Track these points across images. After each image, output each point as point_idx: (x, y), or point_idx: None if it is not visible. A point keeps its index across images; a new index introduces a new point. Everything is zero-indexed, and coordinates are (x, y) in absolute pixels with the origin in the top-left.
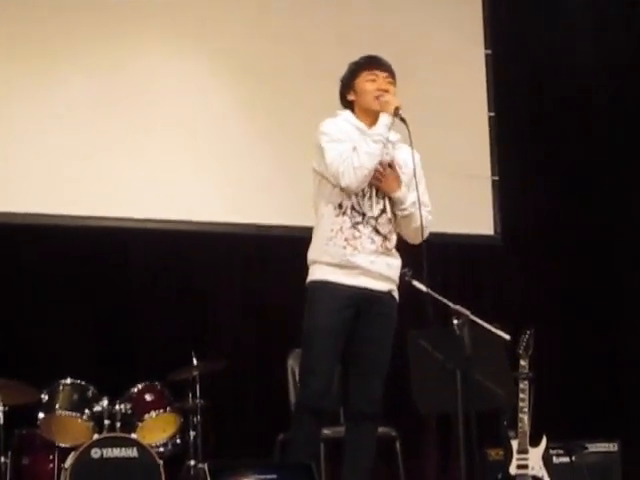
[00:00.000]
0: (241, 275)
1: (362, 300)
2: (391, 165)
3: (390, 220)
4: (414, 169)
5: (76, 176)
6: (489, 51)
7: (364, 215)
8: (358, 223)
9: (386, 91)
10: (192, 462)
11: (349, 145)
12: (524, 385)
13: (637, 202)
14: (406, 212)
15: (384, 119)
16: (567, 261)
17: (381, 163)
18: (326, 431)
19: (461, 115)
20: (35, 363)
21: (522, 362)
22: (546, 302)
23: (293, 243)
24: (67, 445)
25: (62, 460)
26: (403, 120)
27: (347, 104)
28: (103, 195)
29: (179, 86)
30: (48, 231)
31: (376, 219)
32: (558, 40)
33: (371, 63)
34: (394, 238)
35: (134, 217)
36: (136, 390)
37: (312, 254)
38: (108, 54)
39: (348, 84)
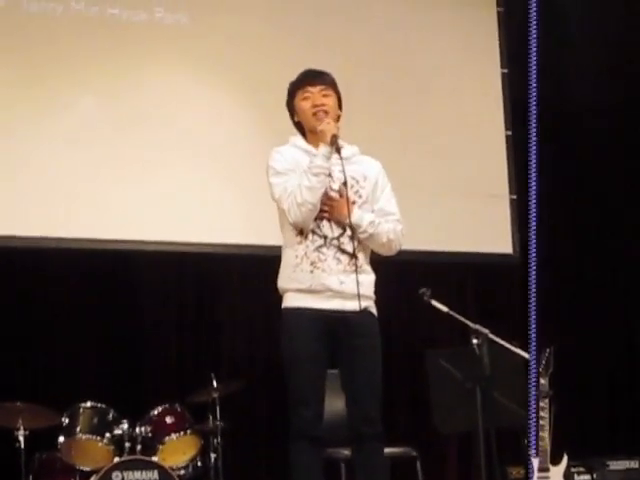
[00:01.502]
0: (258, 294)
1: (338, 322)
2: (341, 191)
3: (352, 238)
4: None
5: (92, 200)
6: (505, 70)
7: (325, 237)
8: (321, 246)
9: (322, 105)
10: None
11: (294, 177)
12: (544, 403)
13: None
14: (366, 234)
15: (321, 149)
16: (586, 279)
17: (326, 193)
18: (345, 452)
19: (478, 134)
20: (55, 387)
21: (542, 380)
22: (566, 319)
23: None
24: (88, 469)
25: None
26: (338, 150)
27: (297, 126)
28: (116, 217)
29: (188, 107)
30: (62, 255)
31: (338, 239)
32: (576, 58)
33: (301, 80)
34: (363, 255)
35: (147, 239)
36: (156, 412)
37: (281, 282)
38: (116, 76)
39: (290, 106)
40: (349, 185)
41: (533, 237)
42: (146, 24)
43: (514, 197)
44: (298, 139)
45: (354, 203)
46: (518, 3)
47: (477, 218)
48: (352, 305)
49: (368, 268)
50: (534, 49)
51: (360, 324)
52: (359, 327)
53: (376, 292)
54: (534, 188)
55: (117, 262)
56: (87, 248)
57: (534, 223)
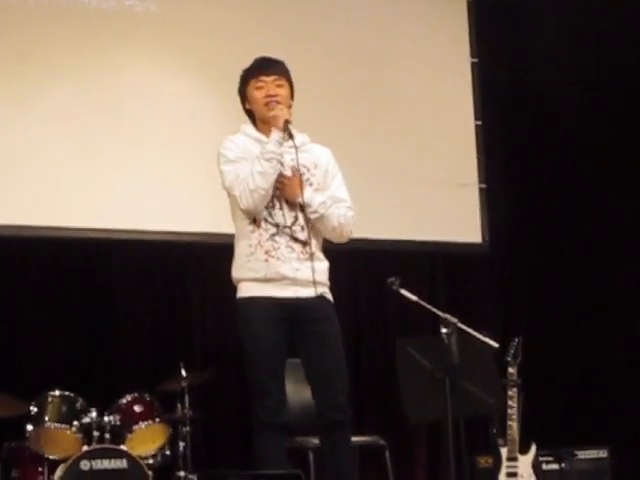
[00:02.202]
0: (230, 283)
1: (295, 310)
2: (294, 171)
3: (304, 227)
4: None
5: (60, 188)
6: (475, 59)
7: (278, 225)
8: (274, 234)
9: (275, 96)
10: (182, 473)
11: (246, 164)
12: (513, 392)
13: (624, 210)
14: (317, 214)
15: (274, 135)
16: (554, 268)
17: (281, 173)
18: (314, 440)
19: (448, 124)
20: (23, 375)
21: (510, 370)
22: (534, 309)
23: None
24: (56, 457)
25: (51, 472)
26: (291, 136)
27: (248, 113)
28: (87, 206)
29: (158, 96)
30: (32, 243)
31: (290, 227)
32: (543, 48)
33: (256, 69)
34: (316, 242)
35: (119, 228)
36: (125, 401)
37: (235, 273)
38: (87, 64)
39: (242, 93)
40: (301, 172)
41: (505, 228)
42: (115, 12)
43: (483, 186)
44: (249, 127)
45: (303, 184)
46: None
47: (447, 207)
48: (308, 292)
49: (321, 255)
50: (503, 39)
51: (317, 310)
52: (317, 313)
53: (342, 281)
54: (503, 177)
55: (88, 250)
56: (58, 236)
57: (501, 213)
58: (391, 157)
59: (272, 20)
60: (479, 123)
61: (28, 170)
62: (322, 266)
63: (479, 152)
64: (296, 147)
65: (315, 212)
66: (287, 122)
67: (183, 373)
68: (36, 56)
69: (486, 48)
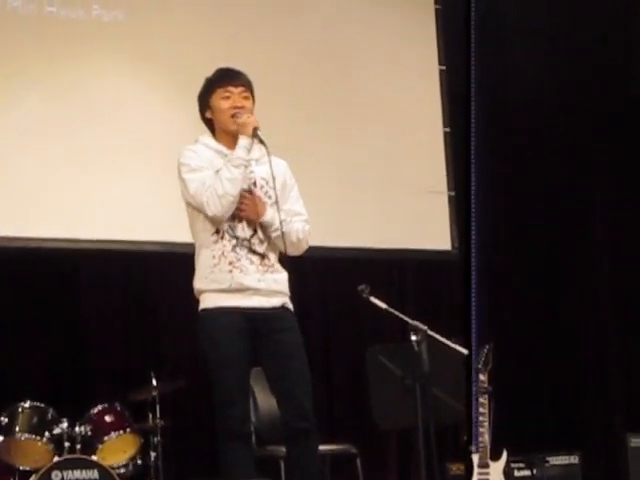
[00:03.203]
0: None
1: (258, 319)
2: (251, 190)
3: (262, 240)
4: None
5: (26, 198)
6: (443, 67)
7: (237, 238)
8: (235, 246)
9: (242, 108)
10: None
11: (210, 172)
12: (484, 399)
13: (597, 213)
14: (278, 232)
15: (242, 141)
16: (524, 275)
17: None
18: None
19: (416, 131)
20: None
21: (481, 376)
22: (504, 316)
23: None
24: (27, 468)
25: None
26: (262, 142)
27: (207, 122)
28: (54, 216)
29: (126, 105)
30: (3, 252)
31: (249, 240)
32: (513, 55)
33: (223, 78)
34: (273, 255)
35: (86, 238)
36: (96, 411)
37: (198, 284)
38: (56, 74)
39: (204, 102)
40: (259, 186)
41: (472, 234)
42: (83, 21)
43: (452, 194)
44: (207, 138)
45: (265, 203)
46: (456, 0)
47: (416, 215)
48: (272, 302)
49: (279, 267)
50: (472, 46)
51: (280, 320)
52: (279, 322)
53: (312, 289)
54: (473, 185)
55: (57, 260)
56: (27, 247)
57: (474, 220)
58: (360, 164)
59: (242, 27)
60: (447, 130)
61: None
62: (282, 277)
63: (448, 160)
64: (268, 152)
65: (276, 230)
66: (256, 129)
67: (154, 382)
68: (4, 66)
69: (455, 55)
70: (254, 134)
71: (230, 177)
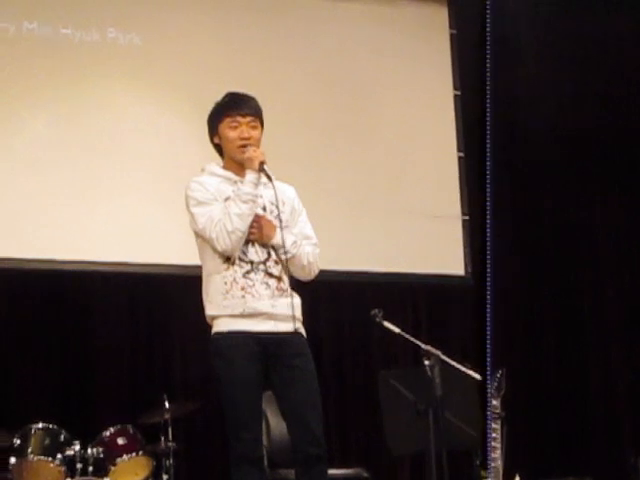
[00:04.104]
0: None
1: (271, 344)
2: (263, 210)
3: (277, 262)
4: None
5: (39, 219)
6: (458, 92)
7: (252, 262)
8: (249, 272)
9: (249, 139)
10: None
11: (219, 206)
12: (496, 425)
13: (607, 237)
14: (289, 254)
15: (249, 176)
16: (537, 300)
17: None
18: None
19: (431, 155)
20: (7, 407)
21: (494, 402)
22: (517, 341)
23: None
24: None
25: None
26: (269, 177)
27: (216, 146)
28: (66, 238)
29: (141, 129)
30: (13, 275)
31: (264, 263)
32: (527, 79)
33: (232, 107)
34: (287, 278)
35: (99, 260)
36: (108, 434)
37: (211, 311)
38: (69, 97)
39: (212, 128)
40: (269, 210)
41: (489, 260)
42: (99, 44)
43: (466, 218)
44: (214, 167)
45: (275, 226)
46: (471, 26)
47: (429, 239)
48: (285, 327)
49: (293, 292)
50: (487, 71)
51: (293, 345)
52: (292, 348)
53: (326, 313)
54: (489, 211)
55: (69, 282)
56: (39, 268)
57: (489, 246)
58: (374, 189)
59: (256, 51)
60: (462, 155)
61: (6, 202)
62: (297, 301)
63: (462, 184)
64: (275, 188)
65: (288, 252)
66: (262, 163)
67: (166, 405)
68: (18, 88)
69: (470, 80)
70: (260, 168)
71: (239, 213)
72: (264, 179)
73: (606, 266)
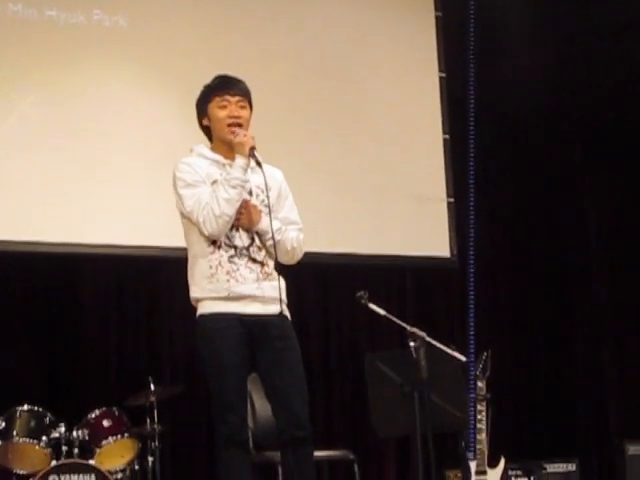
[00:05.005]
0: None
1: (256, 327)
2: (247, 199)
3: (261, 247)
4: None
5: (27, 201)
6: (443, 74)
7: (236, 247)
8: (233, 256)
9: (238, 117)
10: None
11: (206, 189)
12: (482, 406)
13: (591, 220)
14: (272, 241)
15: (239, 161)
16: (522, 280)
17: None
18: None
19: (416, 138)
20: None
21: (479, 384)
22: (503, 323)
23: None
24: (25, 472)
25: None
26: (258, 164)
27: (204, 129)
28: (54, 220)
29: (127, 111)
30: (1, 256)
31: (248, 249)
32: (511, 62)
33: (221, 87)
34: (271, 262)
35: (86, 242)
36: (94, 416)
37: (196, 293)
38: (55, 79)
39: (201, 109)
40: (255, 194)
41: (471, 242)
42: (84, 26)
43: (451, 200)
44: (203, 149)
45: (261, 212)
46: (456, 8)
47: (415, 221)
48: (270, 309)
49: (276, 275)
50: (471, 53)
51: (278, 327)
52: (277, 330)
53: (312, 295)
54: (471, 192)
55: (55, 264)
56: (26, 250)
57: (472, 227)
58: (359, 171)
59: (242, 34)
60: (447, 137)
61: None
62: (282, 284)
63: (447, 166)
64: (263, 172)
65: (271, 239)
66: (252, 149)
67: (152, 387)
68: (4, 70)
69: (454, 62)
70: (251, 154)
71: (227, 197)
72: (253, 164)
73: (597, 247)
